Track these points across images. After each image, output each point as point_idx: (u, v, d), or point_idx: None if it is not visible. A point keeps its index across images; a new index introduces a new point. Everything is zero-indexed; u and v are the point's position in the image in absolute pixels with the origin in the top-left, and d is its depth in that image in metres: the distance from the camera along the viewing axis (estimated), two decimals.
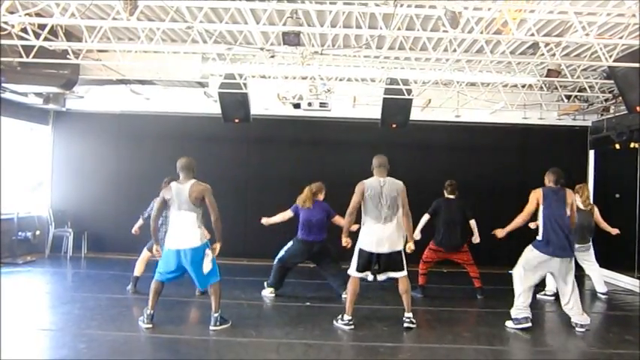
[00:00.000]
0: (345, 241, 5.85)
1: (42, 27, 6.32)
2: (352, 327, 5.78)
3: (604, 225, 7.74)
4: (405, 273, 5.88)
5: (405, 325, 5.83)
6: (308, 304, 6.95)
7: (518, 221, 6.03)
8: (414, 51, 7.63)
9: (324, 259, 7.23)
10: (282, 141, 10.38)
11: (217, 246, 5.62)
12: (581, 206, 7.43)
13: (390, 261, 5.80)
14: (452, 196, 7.57)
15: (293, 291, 7.53)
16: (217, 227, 5.58)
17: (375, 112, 9.09)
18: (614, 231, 7.72)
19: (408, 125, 8.98)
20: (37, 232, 9.87)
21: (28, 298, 6.89)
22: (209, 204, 5.53)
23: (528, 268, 6.02)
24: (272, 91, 9.41)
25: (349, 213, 5.82)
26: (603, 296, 7.79)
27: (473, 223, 7.53)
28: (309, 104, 8.41)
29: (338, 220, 7.02)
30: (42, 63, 7.08)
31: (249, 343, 5.29)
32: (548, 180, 6.10)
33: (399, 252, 5.83)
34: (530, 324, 5.96)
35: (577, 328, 5.96)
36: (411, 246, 5.88)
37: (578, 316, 5.98)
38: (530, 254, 6.02)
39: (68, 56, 7.20)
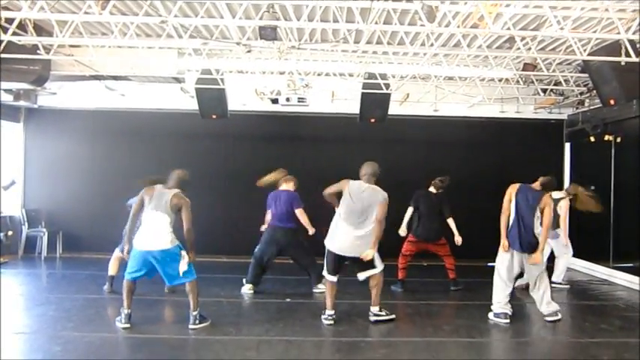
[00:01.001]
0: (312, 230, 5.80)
1: (10, 21, 6.13)
2: (332, 322, 5.76)
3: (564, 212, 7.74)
4: (378, 270, 5.83)
5: (371, 319, 5.85)
6: (288, 300, 6.92)
7: (503, 220, 6.04)
8: (392, 45, 7.62)
9: (296, 249, 7.22)
10: (260, 137, 10.30)
11: (191, 255, 5.51)
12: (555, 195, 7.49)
13: (358, 262, 5.75)
14: (433, 190, 7.61)
15: (272, 287, 7.49)
16: (189, 238, 5.47)
17: (353, 107, 9.07)
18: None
19: (386, 120, 8.98)
20: (10, 233, 9.62)
21: (0, 300, 6.72)
22: (184, 215, 5.46)
23: (501, 264, 6.11)
24: (249, 87, 9.31)
25: (326, 192, 5.83)
26: (556, 286, 7.73)
27: (451, 221, 7.54)
28: (287, 99, 8.34)
29: (300, 214, 7.10)
30: (11, 58, 6.88)
31: (229, 341, 5.24)
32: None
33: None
34: (507, 320, 6.01)
35: (546, 318, 6.07)
36: (369, 254, 5.63)
37: (545, 307, 6.09)
38: (500, 250, 6.14)
39: (38, 51, 7.01)
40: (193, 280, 5.55)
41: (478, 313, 6.31)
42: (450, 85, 9.30)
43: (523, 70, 8.23)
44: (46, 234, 9.68)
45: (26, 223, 9.74)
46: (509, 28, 6.02)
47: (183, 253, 5.48)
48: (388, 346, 5.21)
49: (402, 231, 7.52)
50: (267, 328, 5.66)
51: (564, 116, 10.53)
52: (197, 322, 5.53)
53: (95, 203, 9.86)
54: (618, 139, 8.99)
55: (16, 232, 9.79)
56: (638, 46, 6.25)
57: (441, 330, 5.79)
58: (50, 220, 9.95)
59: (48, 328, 5.54)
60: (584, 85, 8.97)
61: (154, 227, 5.43)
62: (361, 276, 5.85)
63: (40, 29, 6.87)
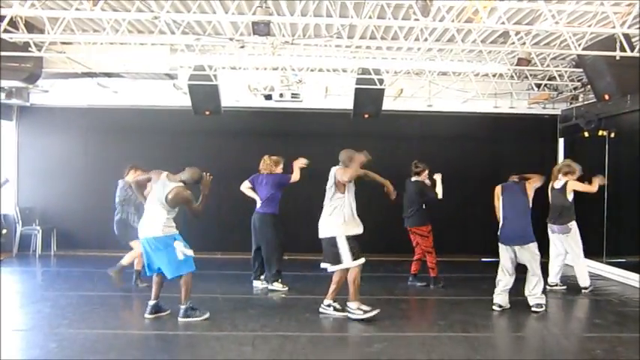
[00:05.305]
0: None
1: (1, 18, 6.07)
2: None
3: (584, 187, 7.44)
4: (339, 266, 5.78)
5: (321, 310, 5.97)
6: (283, 295, 6.92)
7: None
8: (386, 40, 7.59)
9: (263, 237, 7.20)
10: (254, 133, 10.25)
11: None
12: (556, 185, 7.44)
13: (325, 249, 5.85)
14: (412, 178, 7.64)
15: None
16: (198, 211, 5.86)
17: (347, 103, 9.04)
18: (594, 187, 7.41)
19: (380, 115, 8.97)
20: (4, 231, 9.58)
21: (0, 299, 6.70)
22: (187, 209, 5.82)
23: (501, 258, 6.29)
24: (243, 83, 9.27)
25: None
26: (585, 290, 7.35)
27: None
28: (281, 95, 8.33)
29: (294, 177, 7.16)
30: (3, 56, 6.81)
31: (225, 337, 5.23)
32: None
33: (329, 240, 5.78)
34: (499, 309, 6.19)
35: (533, 308, 6.23)
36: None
37: (536, 300, 6.27)
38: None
39: (30, 49, 6.96)
40: (189, 274, 5.61)
41: (473, 308, 6.33)
42: (444, 80, 9.30)
43: (517, 64, 8.22)
44: (40, 232, 9.64)
45: (20, 221, 9.70)
46: (503, 23, 6.00)
47: (177, 243, 5.56)
48: (383, 341, 5.20)
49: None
50: (263, 323, 5.65)
51: (558, 111, 10.53)
52: (187, 314, 5.59)
53: (88, 201, 9.81)
54: (612, 135, 8.97)
55: (10, 231, 9.75)
56: (633, 40, 6.26)
57: (436, 325, 5.80)
58: (44, 218, 9.91)
59: (44, 325, 5.55)
60: (579, 80, 8.98)
61: (150, 216, 5.62)
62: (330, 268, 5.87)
63: (32, 26, 6.82)
